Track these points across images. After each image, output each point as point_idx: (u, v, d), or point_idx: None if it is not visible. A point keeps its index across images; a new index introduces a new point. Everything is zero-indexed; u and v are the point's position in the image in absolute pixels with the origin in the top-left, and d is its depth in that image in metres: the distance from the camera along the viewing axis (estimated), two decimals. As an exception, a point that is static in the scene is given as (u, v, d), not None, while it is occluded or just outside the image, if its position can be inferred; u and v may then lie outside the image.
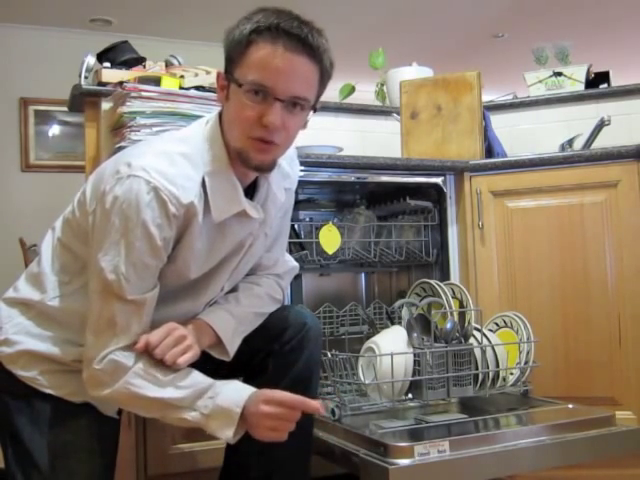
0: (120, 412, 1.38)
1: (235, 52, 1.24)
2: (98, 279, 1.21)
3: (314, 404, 1.23)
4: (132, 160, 1.23)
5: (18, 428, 1.27)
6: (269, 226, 1.43)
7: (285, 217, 1.54)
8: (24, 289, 1.35)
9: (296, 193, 2.25)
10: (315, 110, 1.29)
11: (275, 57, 1.19)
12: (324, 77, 1.28)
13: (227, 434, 1.21)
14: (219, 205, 1.27)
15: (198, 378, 1.24)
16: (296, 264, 1.62)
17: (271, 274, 1.53)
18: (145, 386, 1.20)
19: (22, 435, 1.26)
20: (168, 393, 1.21)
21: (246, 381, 1.47)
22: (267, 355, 1.45)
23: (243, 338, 1.41)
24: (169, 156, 1.24)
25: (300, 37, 1.20)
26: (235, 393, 1.23)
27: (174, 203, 1.21)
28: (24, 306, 1.33)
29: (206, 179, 1.26)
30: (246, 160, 1.26)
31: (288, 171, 1.46)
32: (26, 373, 1.28)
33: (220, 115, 1.32)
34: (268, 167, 1.30)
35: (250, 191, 1.36)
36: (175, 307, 1.33)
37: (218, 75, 1.29)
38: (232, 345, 1.38)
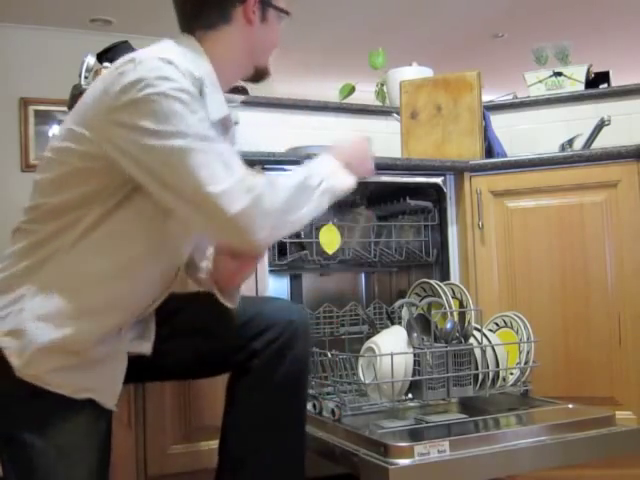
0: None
1: None
2: (181, 150, 1.16)
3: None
4: (134, 56, 1.24)
5: (16, 427, 1.26)
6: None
7: None
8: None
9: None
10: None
11: None
12: None
13: (350, 181, 1.42)
14: (215, 103, 1.31)
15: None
16: None
17: None
18: (273, 183, 1.25)
19: (20, 434, 1.25)
20: (292, 179, 1.30)
21: (229, 383, 1.48)
22: (251, 355, 1.42)
23: (220, 335, 1.41)
24: (169, 49, 1.28)
25: None
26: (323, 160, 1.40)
27: (188, 75, 1.22)
28: (28, 275, 1.25)
29: (203, 76, 1.29)
30: (264, 74, 1.46)
31: None
32: (31, 371, 1.22)
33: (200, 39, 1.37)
34: None
35: None
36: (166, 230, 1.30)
37: None
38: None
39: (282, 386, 1.40)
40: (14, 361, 1.21)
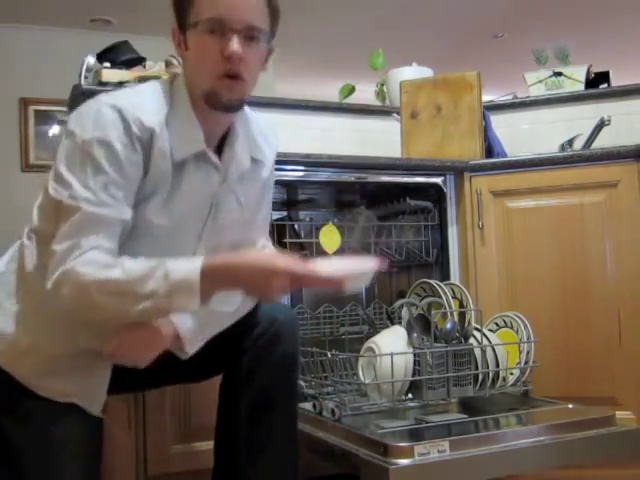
0: (104, 411, 1.37)
1: (183, 3, 1.30)
2: (65, 193, 1.21)
3: (333, 277, 1.22)
4: (99, 96, 1.30)
5: (3, 428, 1.26)
6: (241, 193, 1.42)
7: (264, 196, 1.51)
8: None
9: (296, 193, 2.28)
10: (272, 52, 1.35)
11: None
12: (273, 12, 1.33)
13: (192, 306, 1.18)
14: (180, 143, 1.29)
15: (144, 260, 1.21)
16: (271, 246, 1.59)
17: None
18: (91, 272, 1.17)
19: (8, 435, 1.26)
20: (115, 274, 1.17)
21: (222, 382, 1.48)
22: (240, 353, 1.44)
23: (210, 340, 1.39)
24: (137, 90, 1.33)
25: None
26: (186, 263, 1.19)
27: (137, 124, 1.24)
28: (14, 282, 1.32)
29: (170, 117, 1.29)
30: (216, 100, 1.29)
31: (260, 144, 1.46)
32: (15, 369, 1.28)
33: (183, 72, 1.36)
34: (237, 105, 1.33)
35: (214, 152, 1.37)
36: (137, 243, 1.29)
37: (173, 33, 1.34)
38: (192, 344, 1.34)
39: (270, 387, 1.41)
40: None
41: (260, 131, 1.45)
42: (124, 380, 1.36)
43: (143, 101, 1.28)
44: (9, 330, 1.29)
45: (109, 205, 1.21)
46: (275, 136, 1.52)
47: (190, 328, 1.33)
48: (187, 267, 1.18)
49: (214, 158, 1.34)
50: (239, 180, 1.41)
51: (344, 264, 1.29)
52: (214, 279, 1.19)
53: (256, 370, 1.42)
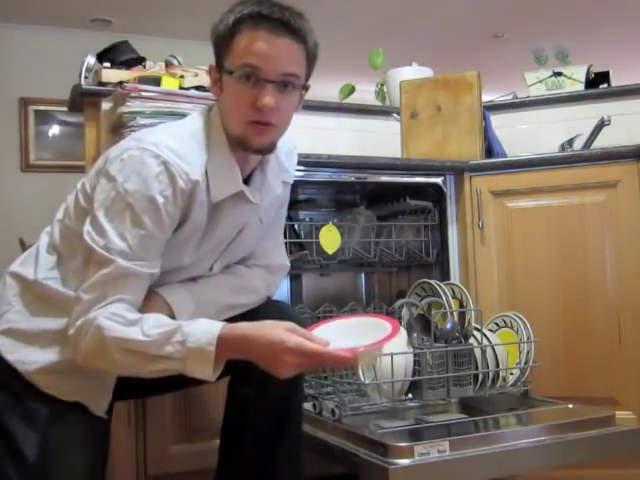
0: (109, 411, 1.38)
1: (222, 44, 1.30)
2: (101, 242, 1.22)
3: (346, 357, 1.16)
4: (142, 136, 1.28)
5: (9, 426, 1.27)
6: (263, 213, 1.45)
7: (280, 210, 1.56)
8: (21, 265, 1.38)
9: (296, 193, 2.28)
10: (307, 90, 1.35)
11: (260, 40, 1.25)
12: (310, 57, 1.32)
13: (206, 374, 1.18)
14: (218, 185, 1.30)
15: (164, 320, 1.23)
16: (288, 263, 1.61)
17: (260, 265, 1.52)
18: (112, 327, 1.18)
19: (14, 434, 1.26)
20: (134, 334, 1.17)
21: (230, 386, 1.48)
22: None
23: None
24: (178, 135, 1.29)
25: (282, 20, 1.26)
26: (204, 332, 1.18)
27: (183, 178, 1.24)
28: (23, 285, 1.34)
29: (208, 160, 1.30)
30: (247, 145, 1.30)
31: (286, 165, 1.49)
32: (24, 368, 1.28)
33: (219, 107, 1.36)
34: (268, 148, 1.34)
35: (246, 181, 1.38)
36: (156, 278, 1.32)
37: (210, 69, 1.35)
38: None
39: (279, 384, 1.41)
40: (9, 358, 1.29)
41: (283, 150, 1.46)
42: (130, 385, 1.36)
43: (186, 149, 1.27)
44: (17, 328, 1.31)
45: (142, 260, 1.23)
46: (295, 151, 1.55)
47: (184, 310, 1.34)
48: (204, 336, 1.17)
49: (251, 197, 1.36)
50: (268, 205, 1.45)
51: (357, 330, 1.26)
52: (229, 349, 1.18)
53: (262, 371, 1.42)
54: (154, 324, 1.19)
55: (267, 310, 1.47)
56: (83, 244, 1.24)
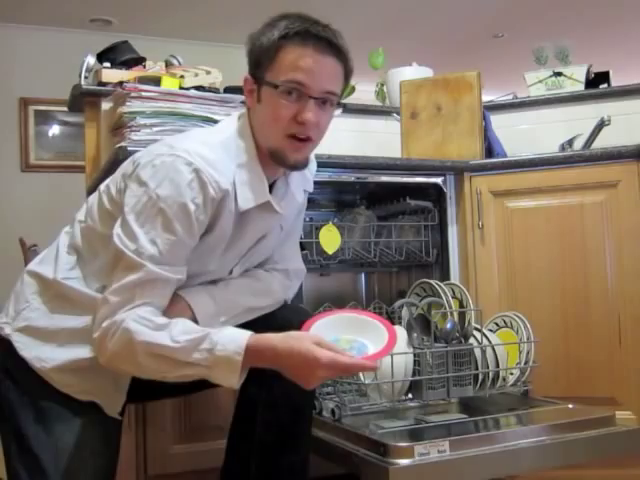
0: (122, 413, 1.38)
1: (265, 57, 1.31)
2: (132, 247, 1.22)
3: (370, 366, 1.23)
4: (174, 143, 1.29)
5: (23, 425, 1.27)
6: (284, 220, 1.47)
7: (299, 216, 1.59)
8: (40, 265, 1.39)
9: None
10: (340, 106, 1.41)
11: (307, 57, 1.28)
12: (348, 76, 1.37)
13: (232, 382, 1.19)
14: (246, 195, 1.32)
15: (192, 326, 1.24)
16: (304, 268, 1.63)
17: (279, 269, 1.54)
18: (140, 331, 1.18)
19: (26, 432, 1.27)
20: (163, 339, 1.18)
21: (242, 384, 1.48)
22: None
23: None
24: (209, 144, 1.30)
25: (328, 40, 1.30)
26: (232, 340, 1.19)
27: (214, 187, 1.25)
28: (42, 284, 1.35)
29: (236, 169, 1.31)
30: (282, 159, 1.33)
31: (308, 175, 1.52)
32: (41, 365, 1.29)
33: (249, 115, 1.38)
34: (303, 164, 1.37)
35: (269, 188, 1.40)
36: None
37: (246, 80, 1.36)
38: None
39: (289, 390, 1.40)
40: (25, 355, 1.30)
41: None
42: (144, 387, 1.36)
43: (217, 158, 1.28)
44: (35, 325, 1.32)
45: (171, 265, 1.24)
46: (314, 158, 1.56)
47: (206, 312, 1.35)
48: (232, 345, 1.18)
49: (278, 207, 1.38)
50: (289, 213, 1.47)
51: (349, 325, 1.32)
52: (257, 359, 1.20)
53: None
54: (182, 330, 1.20)
55: (284, 313, 1.48)
56: (112, 247, 1.25)
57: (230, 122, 1.39)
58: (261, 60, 1.32)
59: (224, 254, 1.37)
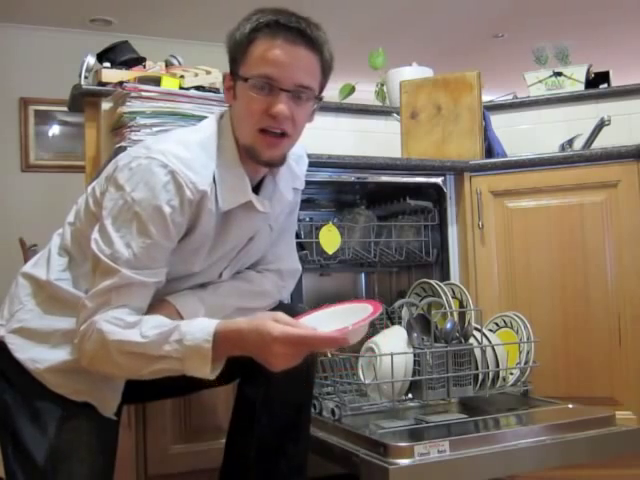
0: (118, 413, 1.38)
1: (238, 52, 1.29)
2: (107, 251, 1.22)
3: (336, 337, 1.14)
4: (150, 145, 1.28)
5: (18, 427, 1.27)
6: (273, 220, 1.45)
7: (291, 216, 1.56)
8: (34, 267, 1.38)
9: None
10: (320, 101, 1.34)
11: (276, 49, 1.25)
12: (325, 68, 1.33)
13: (204, 371, 1.17)
14: (227, 195, 1.30)
15: (163, 321, 1.22)
16: (300, 267, 1.62)
17: (271, 270, 1.53)
18: (112, 330, 1.19)
19: (22, 434, 1.26)
20: (133, 336, 1.18)
21: (240, 383, 1.48)
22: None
23: None
24: (186, 144, 1.28)
25: (299, 29, 1.26)
26: (201, 329, 1.18)
27: (190, 188, 1.24)
28: (36, 285, 1.35)
29: (216, 169, 1.29)
30: (257, 156, 1.30)
31: (297, 172, 1.49)
32: (34, 366, 1.29)
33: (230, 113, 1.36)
34: (278, 161, 1.34)
35: (256, 188, 1.38)
36: (165, 285, 1.32)
37: (224, 76, 1.35)
38: None
39: (290, 388, 1.40)
40: (20, 356, 1.30)
41: (294, 156, 1.45)
42: (141, 388, 1.35)
43: (194, 158, 1.26)
44: (29, 327, 1.32)
45: (148, 268, 1.23)
46: (306, 156, 1.54)
47: (195, 316, 1.33)
48: (200, 333, 1.16)
49: (261, 207, 1.35)
50: (279, 212, 1.45)
51: (341, 315, 1.25)
52: (226, 345, 1.17)
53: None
54: (153, 325, 1.20)
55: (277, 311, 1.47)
56: (90, 251, 1.25)
57: (211, 121, 1.37)
58: (236, 55, 1.30)
59: (210, 255, 1.35)
